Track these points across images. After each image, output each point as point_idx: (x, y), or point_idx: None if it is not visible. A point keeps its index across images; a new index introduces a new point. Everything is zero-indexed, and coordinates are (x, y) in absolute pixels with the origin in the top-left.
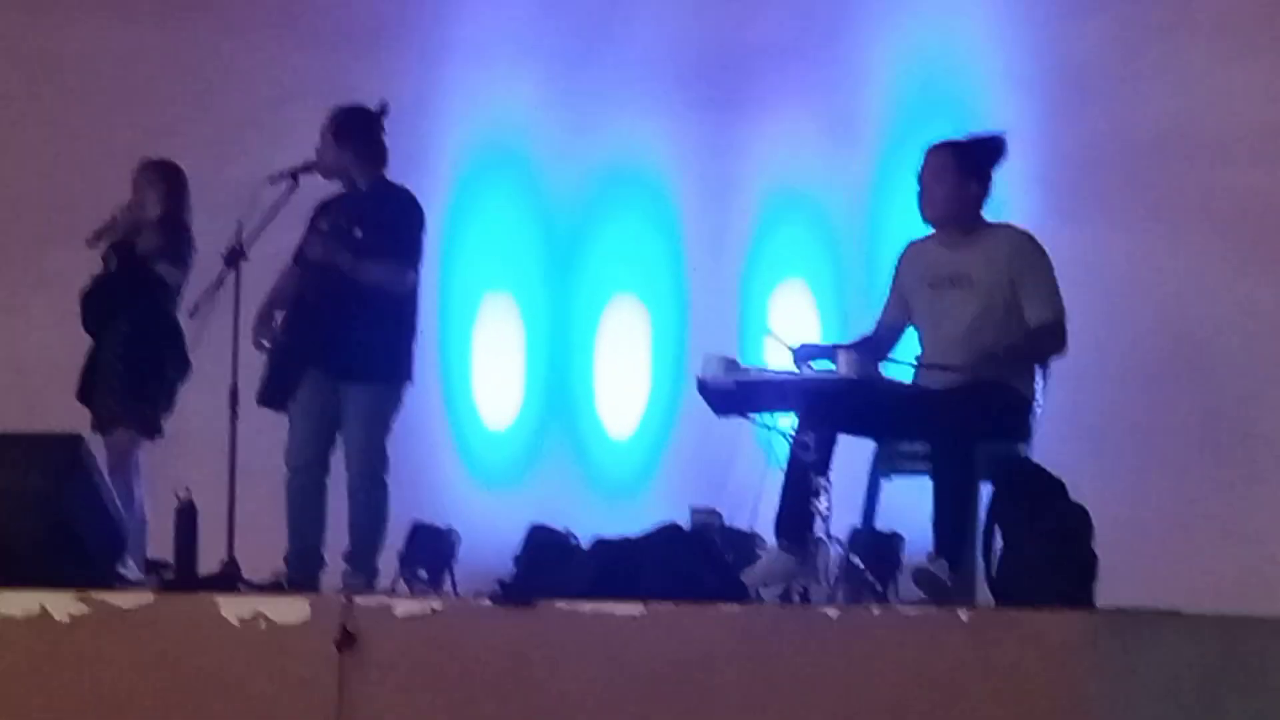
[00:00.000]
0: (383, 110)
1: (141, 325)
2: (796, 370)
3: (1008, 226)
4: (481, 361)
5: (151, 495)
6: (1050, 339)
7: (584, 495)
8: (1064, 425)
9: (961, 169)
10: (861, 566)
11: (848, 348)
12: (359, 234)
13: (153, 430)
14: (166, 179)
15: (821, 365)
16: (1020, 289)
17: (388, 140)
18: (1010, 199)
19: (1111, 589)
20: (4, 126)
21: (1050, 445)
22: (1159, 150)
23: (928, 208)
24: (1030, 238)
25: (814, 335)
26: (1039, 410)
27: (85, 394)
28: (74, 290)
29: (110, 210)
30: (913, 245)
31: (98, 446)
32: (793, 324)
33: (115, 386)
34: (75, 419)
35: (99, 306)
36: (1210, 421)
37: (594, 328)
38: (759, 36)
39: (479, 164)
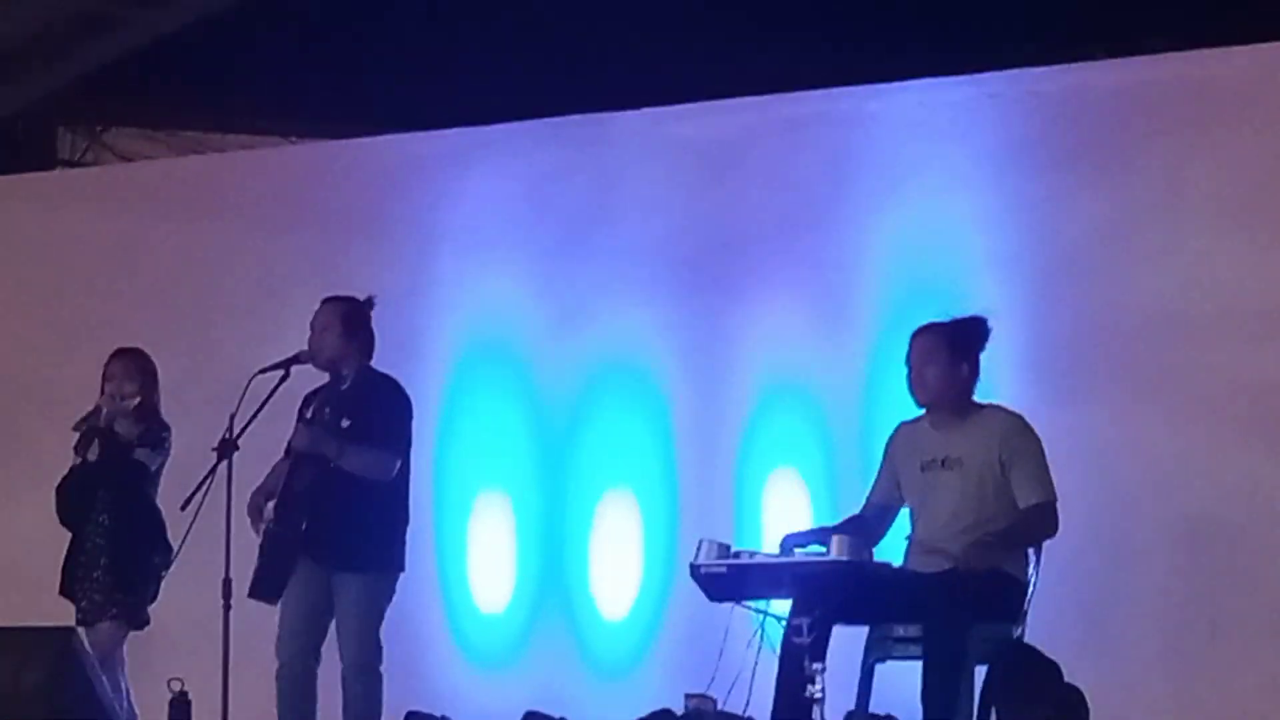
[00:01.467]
0: (370, 301)
1: (122, 513)
2: (784, 557)
3: (998, 408)
4: (476, 548)
5: (144, 687)
6: (1042, 521)
7: (578, 679)
8: (1058, 607)
9: (951, 350)
10: None
11: (839, 532)
12: (346, 424)
13: (140, 621)
14: (142, 369)
15: (812, 550)
16: (1011, 471)
17: (376, 330)
18: (1000, 381)
19: None
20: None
21: (1044, 627)
22: (1150, 331)
23: (920, 391)
24: (1021, 419)
25: (806, 521)
26: (1032, 592)
27: (67, 588)
28: (54, 483)
29: (93, 400)
30: (904, 425)
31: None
32: (785, 510)
33: (98, 578)
34: (65, 613)
35: (78, 498)
36: (1209, 601)
37: (588, 515)
38: (747, 225)
39: (471, 353)
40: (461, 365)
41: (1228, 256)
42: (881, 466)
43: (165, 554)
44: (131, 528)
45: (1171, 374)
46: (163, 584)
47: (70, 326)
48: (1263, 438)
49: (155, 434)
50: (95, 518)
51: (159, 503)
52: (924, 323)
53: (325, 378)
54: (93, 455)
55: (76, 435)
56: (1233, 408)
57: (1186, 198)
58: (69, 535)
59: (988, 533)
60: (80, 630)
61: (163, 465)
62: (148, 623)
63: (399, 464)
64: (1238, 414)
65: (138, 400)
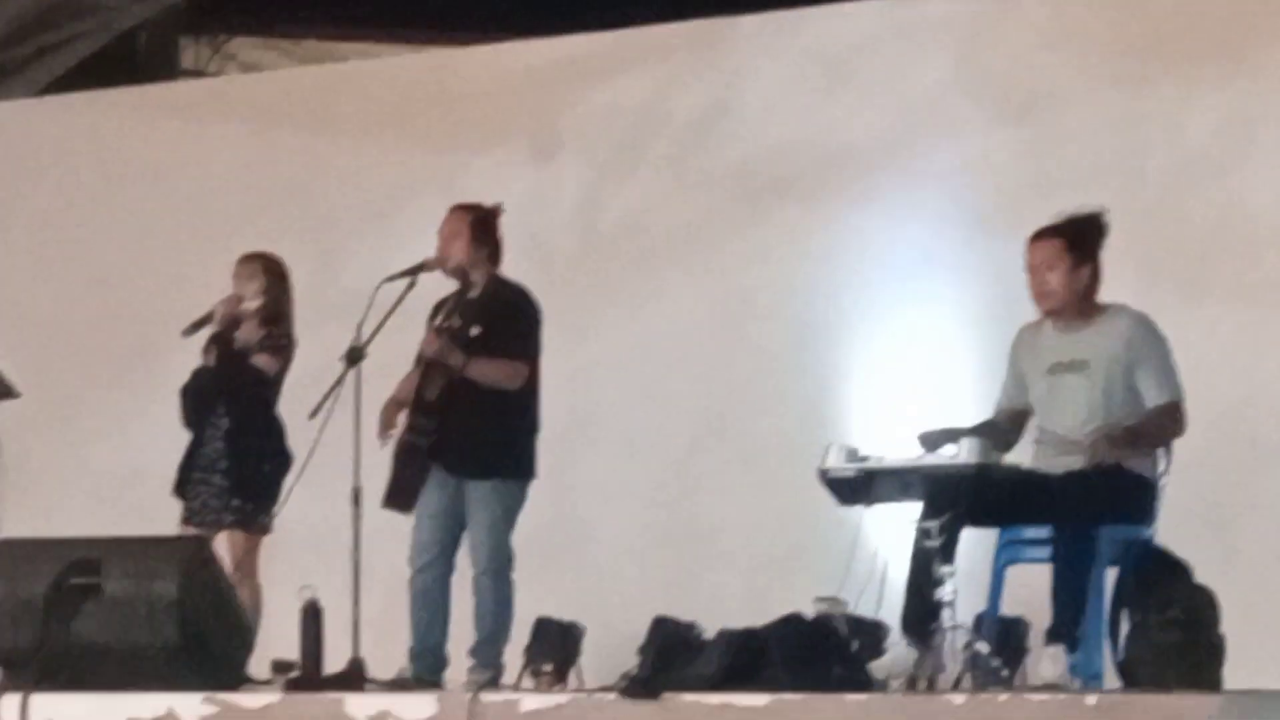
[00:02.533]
0: (498, 210)
1: (243, 420)
2: (925, 453)
3: (1123, 308)
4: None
5: (275, 595)
6: (1169, 421)
7: (707, 585)
8: (1188, 508)
9: (1072, 254)
10: (987, 653)
11: (970, 434)
12: (475, 332)
13: (260, 527)
14: (268, 271)
15: (945, 450)
16: (1137, 371)
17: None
18: (1124, 283)
19: (1240, 672)
20: (121, 233)
21: (1175, 528)
22: (1275, 231)
23: (1043, 298)
24: (1146, 319)
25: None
26: (1161, 492)
27: (180, 487)
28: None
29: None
30: (1027, 329)
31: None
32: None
33: (215, 482)
34: None
35: (199, 401)
36: None
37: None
38: (865, 132)
39: (596, 260)
40: (587, 271)
41: None
42: (1008, 371)
43: (281, 462)
44: (247, 434)
45: None
46: (289, 492)
47: (196, 237)
48: None
49: (275, 341)
50: (214, 421)
51: (280, 411)
52: (1040, 227)
53: (454, 286)
54: (212, 360)
55: (202, 337)
56: None
57: None
58: None
59: (1115, 428)
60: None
61: (283, 372)
62: (269, 530)
63: (527, 372)
64: None
65: (259, 304)
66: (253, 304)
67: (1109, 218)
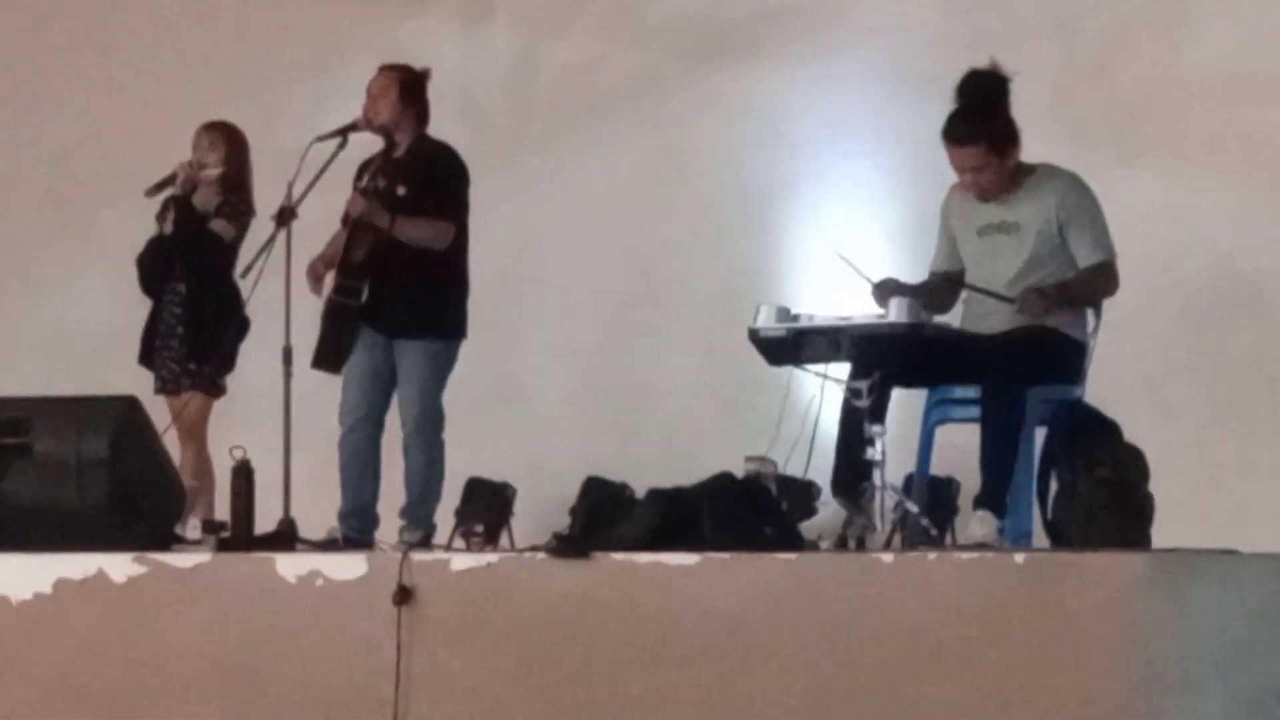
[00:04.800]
0: (427, 72)
1: (200, 285)
2: (876, 302)
3: (1052, 168)
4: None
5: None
6: (1101, 279)
7: (638, 445)
8: (1119, 369)
9: (994, 149)
10: (917, 513)
11: (900, 294)
12: (402, 192)
13: (214, 390)
14: (230, 140)
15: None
16: (1069, 231)
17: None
18: (1057, 143)
19: (1168, 531)
20: (58, 93)
21: (1106, 389)
22: (1207, 93)
23: (980, 193)
24: (1077, 179)
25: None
26: (1091, 353)
27: (146, 356)
28: (126, 254)
29: (171, 167)
30: (956, 189)
31: (162, 409)
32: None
33: (175, 347)
34: (129, 384)
35: (157, 267)
36: (1265, 361)
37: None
38: None
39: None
40: (522, 130)
41: None
42: (940, 233)
43: (242, 326)
44: (206, 299)
45: (1228, 136)
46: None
47: (131, 98)
48: None
49: (234, 207)
50: (173, 287)
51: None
52: (950, 125)
53: (382, 145)
54: (169, 226)
55: (158, 206)
56: None
57: None
58: (138, 308)
59: (1046, 285)
60: (166, 400)
61: (240, 239)
62: (224, 392)
63: (454, 232)
64: None
65: (219, 172)
66: (214, 171)
67: (1038, 76)
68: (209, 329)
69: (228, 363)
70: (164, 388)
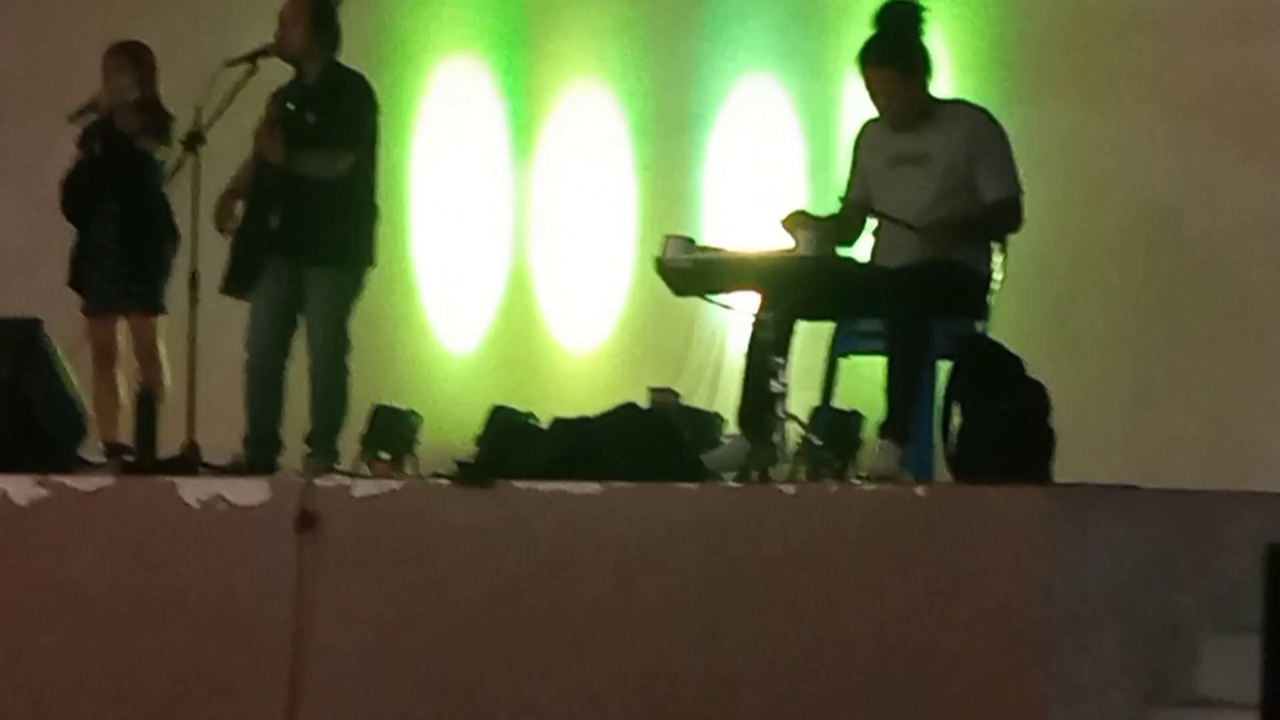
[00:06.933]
0: None
1: (133, 204)
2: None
3: (961, 103)
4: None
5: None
6: (1007, 215)
7: (542, 373)
8: (1022, 303)
9: (907, 76)
10: (820, 445)
11: (807, 226)
12: (311, 119)
13: (159, 307)
14: (138, 61)
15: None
16: (977, 166)
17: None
18: (967, 77)
19: (1070, 465)
20: None
21: (1012, 323)
22: (1120, 29)
23: (893, 119)
24: (987, 114)
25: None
26: (996, 287)
27: (75, 278)
28: (27, 177)
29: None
30: (870, 125)
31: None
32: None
33: (110, 267)
34: (30, 305)
35: (83, 190)
36: (1172, 297)
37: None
38: None
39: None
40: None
41: None
42: (851, 165)
43: (176, 242)
44: (141, 218)
45: (1141, 73)
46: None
47: (34, 18)
48: (1230, 135)
49: (159, 124)
50: (104, 208)
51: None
52: (864, 48)
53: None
54: (96, 148)
55: (79, 131)
56: (1202, 107)
57: None
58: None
59: (952, 218)
60: (92, 322)
61: (170, 155)
62: (165, 310)
63: (352, 159)
64: (1207, 113)
65: (137, 94)
66: (131, 94)
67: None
68: (150, 246)
69: (165, 277)
70: (96, 308)
